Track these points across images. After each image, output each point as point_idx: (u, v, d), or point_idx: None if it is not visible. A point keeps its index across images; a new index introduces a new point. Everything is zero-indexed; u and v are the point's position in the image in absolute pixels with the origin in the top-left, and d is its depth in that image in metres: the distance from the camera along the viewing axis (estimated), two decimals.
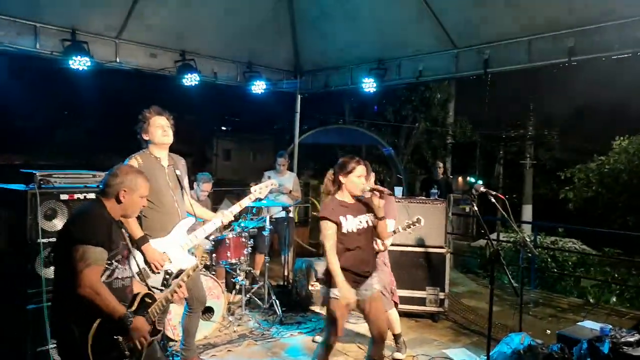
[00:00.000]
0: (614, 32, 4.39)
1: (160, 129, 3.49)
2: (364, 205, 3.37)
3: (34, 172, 3.40)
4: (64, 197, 3.46)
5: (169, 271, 3.37)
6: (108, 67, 5.52)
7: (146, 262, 3.28)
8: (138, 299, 2.54)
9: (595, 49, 4.57)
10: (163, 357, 2.80)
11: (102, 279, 2.37)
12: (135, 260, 2.96)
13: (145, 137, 3.51)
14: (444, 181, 7.81)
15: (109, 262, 2.43)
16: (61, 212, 3.46)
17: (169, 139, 3.55)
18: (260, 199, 4.01)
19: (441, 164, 8.27)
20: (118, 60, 5.47)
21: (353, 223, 3.27)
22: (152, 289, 2.98)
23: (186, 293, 2.84)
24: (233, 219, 3.85)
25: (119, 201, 2.53)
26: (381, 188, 3.35)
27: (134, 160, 3.39)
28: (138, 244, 3.22)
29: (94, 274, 2.29)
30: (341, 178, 3.33)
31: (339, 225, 3.24)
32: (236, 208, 3.79)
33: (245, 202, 3.83)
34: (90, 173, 3.71)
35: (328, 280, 3.24)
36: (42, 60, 5.14)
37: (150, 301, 2.59)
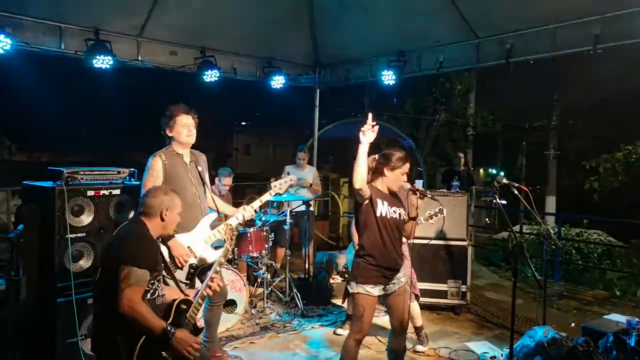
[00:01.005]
0: None
1: (185, 129, 3.56)
2: (397, 199, 3.37)
3: (61, 169, 3.49)
4: (90, 193, 3.55)
5: (194, 265, 3.45)
6: (130, 66, 5.62)
7: (171, 256, 3.34)
8: (174, 307, 2.58)
9: (622, 36, 4.46)
10: (207, 353, 2.87)
11: (146, 297, 2.50)
12: (162, 256, 3.04)
13: (170, 134, 3.58)
14: (466, 173, 7.72)
15: (152, 282, 2.54)
16: (88, 208, 3.55)
17: (193, 139, 3.63)
18: (280, 194, 4.05)
19: (462, 155, 8.16)
20: (140, 58, 5.57)
21: (388, 210, 3.24)
22: (180, 284, 3.12)
23: (221, 283, 2.86)
24: (254, 213, 3.90)
25: (162, 220, 2.69)
26: (422, 189, 3.38)
27: (158, 158, 3.47)
28: (164, 239, 3.25)
29: (134, 293, 2.39)
30: (386, 171, 3.32)
31: (374, 204, 3.19)
32: (257, 203, 3.84)
33: (266, 197, 3.90)
34: (115, 169, 3.80)
35: (356, 274, 3.22)
36: (67, 60, 5.26)
37: (185, 307, 2.62)
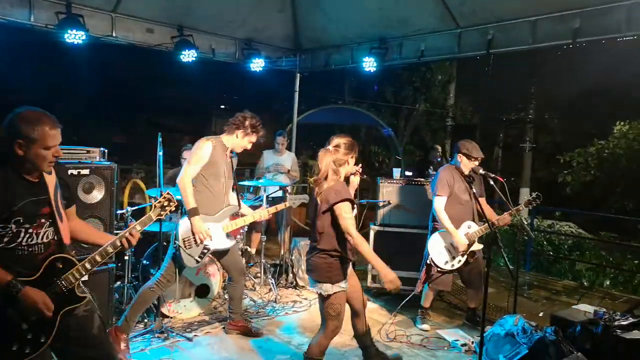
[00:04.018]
0: (620, 13, 4.31)
1: (247, 145, 3.96)
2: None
3: None
4: None
5: (207, 247, 3.82)
6: (104, 42, 5.43)
7: (192, 232, 3.67)
8: (45, 265, 2.24)
9: (601, 31, 4.49)
10: (100, 331, 2.45)
11: (1, 246, 2.15)
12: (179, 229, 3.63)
13: (240, 135, 3.89)
14: (439, 164, 7.78)
15: (3, 225, 2.15)
16: None
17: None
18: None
19: (439, 148, 8.24)
20: (114, 34, 5.38)
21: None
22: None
23: (133, 241, 2.47)
24: (268, 216, 4.39)
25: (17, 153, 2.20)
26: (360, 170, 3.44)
27: (210, 142, 3.79)
28: (189, 213, 3.64)
29: None
30: (350, 159, 3.26)
31: (352, 208, 3.15)
32: (272, 210, 4.34)
33: (281, 206, 4.49)
34: (84, 148, 3.67)
35: (330, 276, 3.15)
36: (37, 33, 5.06)
37: (62, 266, 2.28)
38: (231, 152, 4.02)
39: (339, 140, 3.25)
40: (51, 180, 2.32)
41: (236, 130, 3.88)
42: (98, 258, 2.36)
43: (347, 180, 3.37)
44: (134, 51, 5.98)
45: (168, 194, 2.53)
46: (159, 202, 2.51)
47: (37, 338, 2.22)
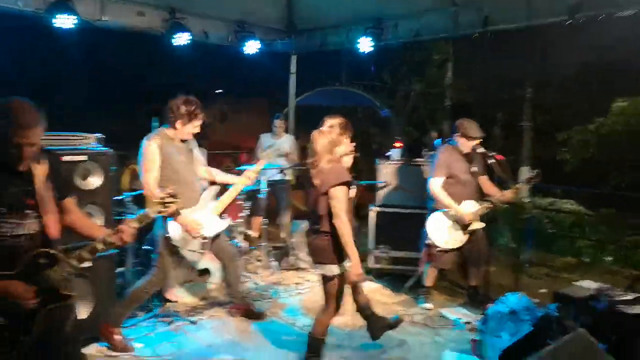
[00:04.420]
0: None
1: (195, 130, 3.74)
2: None
3: None
4: None
5: (204, 236, 3.77)
6: (95, 26, 5.31)
7: (184, 230, 3.63)
8: (25, 259, 2.14)
9: (599, 6, 4.41)
10: (73, 328, 2.34)
11: None
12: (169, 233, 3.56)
13: (178, 126, 3.66)
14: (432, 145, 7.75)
15: None
16: None
17: None
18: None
19: (435, 134, 8.23)
20: (104, 18, 5.25)
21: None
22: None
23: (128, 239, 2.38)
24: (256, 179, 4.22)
25: None
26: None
27: (153, 142, 3.60)
28: (173, 217, 3.52)
29: None
30: (345, 140, 3.24)
31: (349, 190, 3.17)
32: (252, 173, 4.08)
33: (252, 173, 4.10)
34: (80, 135, 3.61)
35: (334, 257, 3.16)
36: (26, 18, 4.95)
37: (45, 261, 2.17)
38: (181, 140, 3.79)
39: (333, 121, 3.26)
40: (41, 170, 2.23)
41: (175, 122, 3.66)
42: (85, 255, 2.24)
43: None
44: (127, 37, 5.88)
45: (171, 190, 2.38)
46: (161, 198, 2.36)
47: (15, 334, 2.11)
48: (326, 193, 3.12)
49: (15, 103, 2.14)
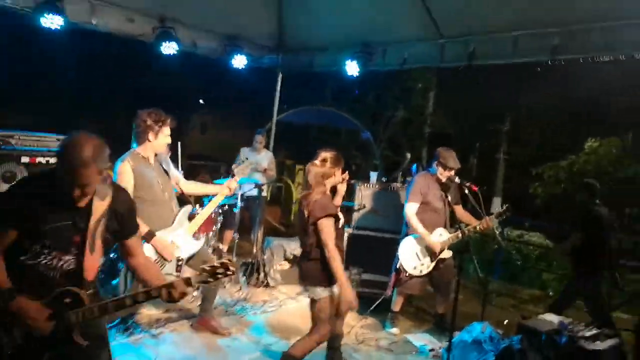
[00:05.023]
0: (598, 35, 4.41)
1: (167, 139, 3.71)
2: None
3: None
4: (25, 159, 3.32)
5: (179, 257, 3.77)
6: (83, 29, 5.28)
7: (158, 254, 3.60)
8: (54, 294, 2.11)
9: (579, 50, 4.59)
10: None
11: (23, 259, 2.09)
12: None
13: (150, 138, 3.64)
14: (408, 169, 7.87)
15: (31, 241, 2.08)
16: (21, 175, 3.32)
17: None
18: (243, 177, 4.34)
19: (409, 155, 8.38)
20: (93, 22, 5.23)
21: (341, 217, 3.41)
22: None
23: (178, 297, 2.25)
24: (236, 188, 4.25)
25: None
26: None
27: (127, 163, 3.57)
28: (146, 239, 3.49)
29: None
30: (337, 172, 3.36)
31: (337, 220, 3.32)
32: (237, 178, 4.16)
33: (233, 184, 4.12)
34: (54, 136, 3.57)
35: (322, 279, 3.26)
36: (12, 16, 4.89)
37: (69, 301, 2.12)
38: (155, 155, 3.80)
39: (326, 155, 3.38)
40: (101, 207, 2.16)
41: (146, 135, 3.63)
42: (111, 308, 2.15)
43: (334, 189, 3.44)
44: (114, 41, 5.84)
45: (231, 262, 2.15)
46: (213, 267, 2.14)
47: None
48: (313, 224, 3.26)
49: (73, 140, 2.03)
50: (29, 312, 2.05)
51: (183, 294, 2.16)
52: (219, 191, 4.06)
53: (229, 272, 2.15)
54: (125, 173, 3.55)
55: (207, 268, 2.15)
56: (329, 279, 3.27)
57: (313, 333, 3.37)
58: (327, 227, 3.22)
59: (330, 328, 3.36)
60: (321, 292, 3.27)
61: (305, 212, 3.31)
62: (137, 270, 2.39)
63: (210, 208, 4.05)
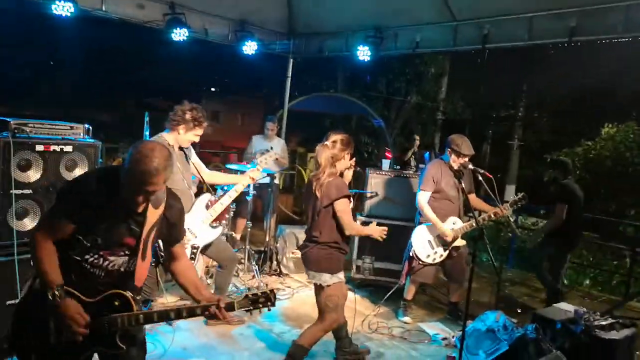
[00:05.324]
0: (617, 15, 4.29)
1: (195, 138, 3.73)
2: None
3: (8, 119, 3.23)
4: (39, 148, 3.30)
5: (195, 245, 3.77)
6: (93, 16, 5.26)
7: None
8: (104, 294, 2.12)
9: (597, 31, 4.48)
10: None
11: (71, 253, 2.10)
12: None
13: (182, 131, 3.65)
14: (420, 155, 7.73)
15: (82, 235, 2.08)
16: (36, 163, 3.31)
17: None
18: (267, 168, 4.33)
19: (417, 138, 8.22)
20: (104, 8, 5.21)
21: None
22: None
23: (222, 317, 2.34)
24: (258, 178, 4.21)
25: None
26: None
27: None
28: None
29: (41, 234, 2.09)
30: (346, 155, 3.32)
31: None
32: (245, 179, 4.03)
33: (257, 173, 4.07)
34: (68, 124, 3.55)
35: (329, 266, 3.25)
36: (26, 4, 4.90)
37: (118, 304, 2.12)
38: (179, 148, 3.79)
39: (336, 137, 3.33)
40: (155, 215, 2.17)
41: (178, 126, 3.64)
42: (155, 317, 2.15)
43: (340, 175, 3.40)
44: (123, 28, 5.82)
45: (273, 293, 2.19)
46: (255, 295, 2.20)
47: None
48: (328, 206, 3.22)
49: (145, 148, 2.03)
50: (75, 311, 2.04)
51: (225, 317, 2.28)
52: (241, 180, 4.02)
53: (269, 304, 2.20)
54: None
55: (251, 296, 2.22)
56: (337, 265, 3.25)
57: (319, 322, 3.35)
58: (345, 206, 3.22)
59: (336, 316, 3.33)
60: (329, 279, 3.24)
61: (318, 194, 3.24)
62: (175, 274, 2.40)
63: (231, 197, 4.00)
